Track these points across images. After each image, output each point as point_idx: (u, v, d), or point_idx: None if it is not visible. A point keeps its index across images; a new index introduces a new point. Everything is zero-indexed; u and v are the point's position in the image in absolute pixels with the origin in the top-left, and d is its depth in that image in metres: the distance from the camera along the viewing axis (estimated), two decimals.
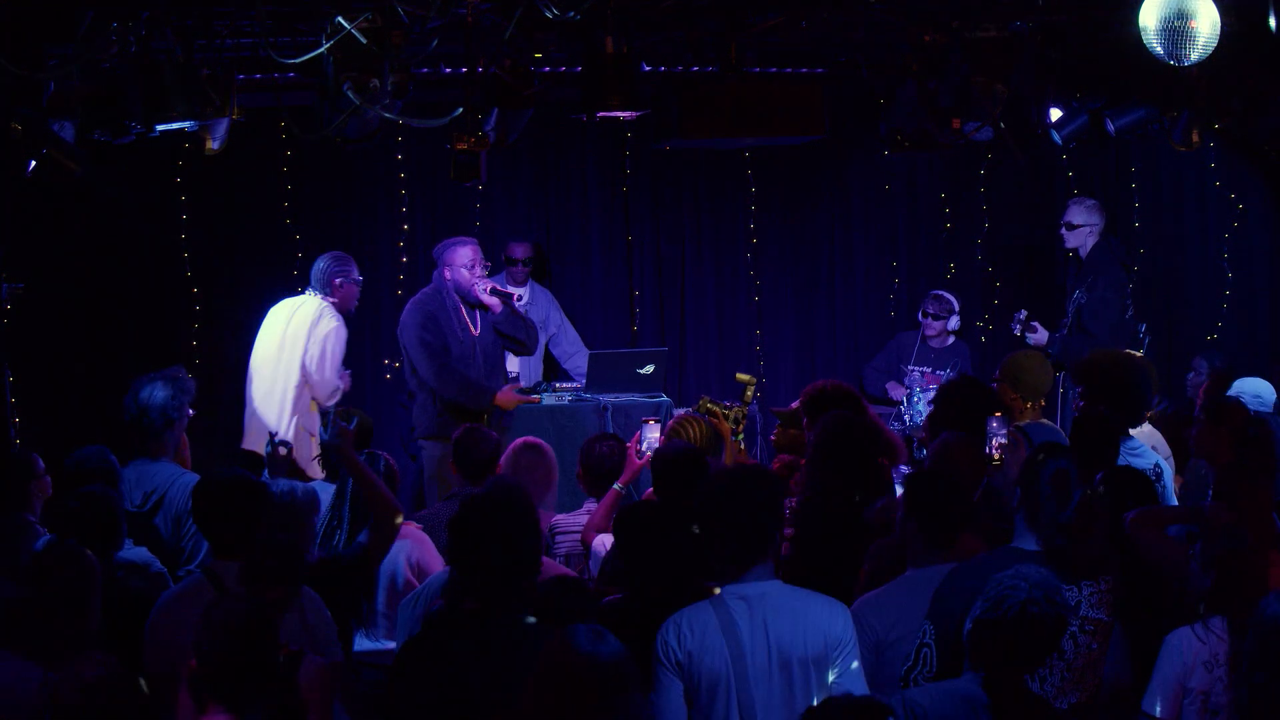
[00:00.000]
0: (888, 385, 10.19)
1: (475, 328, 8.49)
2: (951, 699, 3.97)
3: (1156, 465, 6.18)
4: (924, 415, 8.57)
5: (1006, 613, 3.93)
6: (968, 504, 4.91)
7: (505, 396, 8.42)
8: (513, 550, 4.26)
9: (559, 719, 3.49)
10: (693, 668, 4.23)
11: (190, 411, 6.40)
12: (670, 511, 4.95)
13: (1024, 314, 9.49)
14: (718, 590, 4.36)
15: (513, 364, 9.49)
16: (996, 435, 5.89)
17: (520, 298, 9.59)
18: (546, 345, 10.13)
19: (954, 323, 10.31)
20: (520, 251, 10.08)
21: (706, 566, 4.85)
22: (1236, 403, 6.57)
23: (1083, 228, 9.65)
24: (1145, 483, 5.48)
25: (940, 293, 10.43)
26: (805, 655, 4.24)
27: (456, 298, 8.47)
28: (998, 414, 6.04)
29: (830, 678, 4.24)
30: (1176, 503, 6.27)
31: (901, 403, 9.70)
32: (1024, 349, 8.27)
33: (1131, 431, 6.34)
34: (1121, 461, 5.96)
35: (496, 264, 9.78)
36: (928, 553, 4.74)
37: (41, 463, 5.87)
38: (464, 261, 8.44)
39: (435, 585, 5.21)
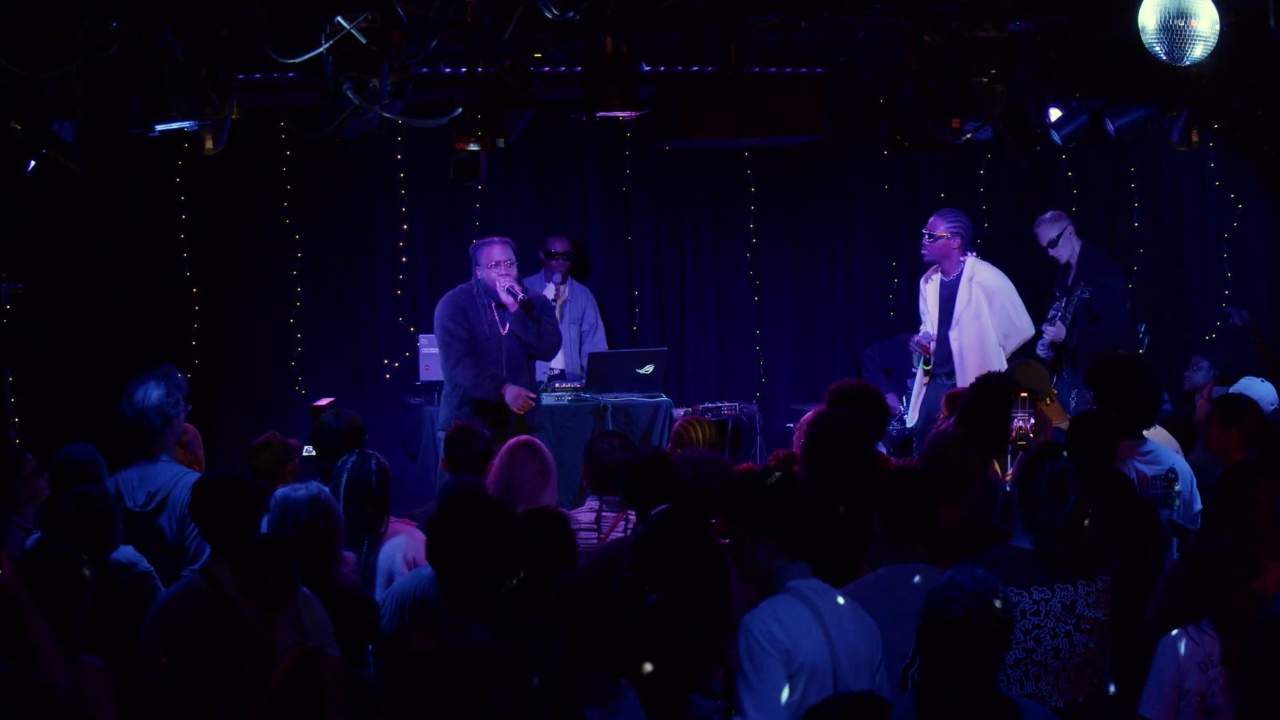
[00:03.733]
0: (887, 396, 10.14)
1: (502, 327, 8.51)
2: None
3: (1170, 470, 6.14)
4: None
5: (945, 627, 3.75)
6: (933, 501, 4.91)
7: (515, 397, 8.39)
8: (490, 551, 4.29)
9: (418, 711, 3.47)
10: (795, 656, 4.22)
11: (187, 406, 6.39)
12: (698, 518, 4.98)
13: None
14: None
15: (558, 360, 9.56)
16: (1018, 419, 5.92)
17: (555, 296, 9.89)
18: (580, 342, 10.19)
19: None
20: (559, 245, 10.18)
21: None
22: (1251, 404, 6.53)
23: (1061, 237, 9.71)
24: (1124, 483, 5.48)
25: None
26: (871, 654, 4.33)
27: (487, 296, 8.50)
28: (1022, 395, 6.06)
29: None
30: (1199, 504, 6.19)
31: (902, 403, 9.70)
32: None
33: (1145, 434, 6.30)
34: (1134, 467, 5.93)
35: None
36: (896, 550, 4.76)
37: (33, 462, 5.84)
38: (489, 260, 8.48)
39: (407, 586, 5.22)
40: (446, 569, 4.44)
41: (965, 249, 9.29)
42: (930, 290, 9.44)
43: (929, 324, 9.41)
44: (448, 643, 3.49)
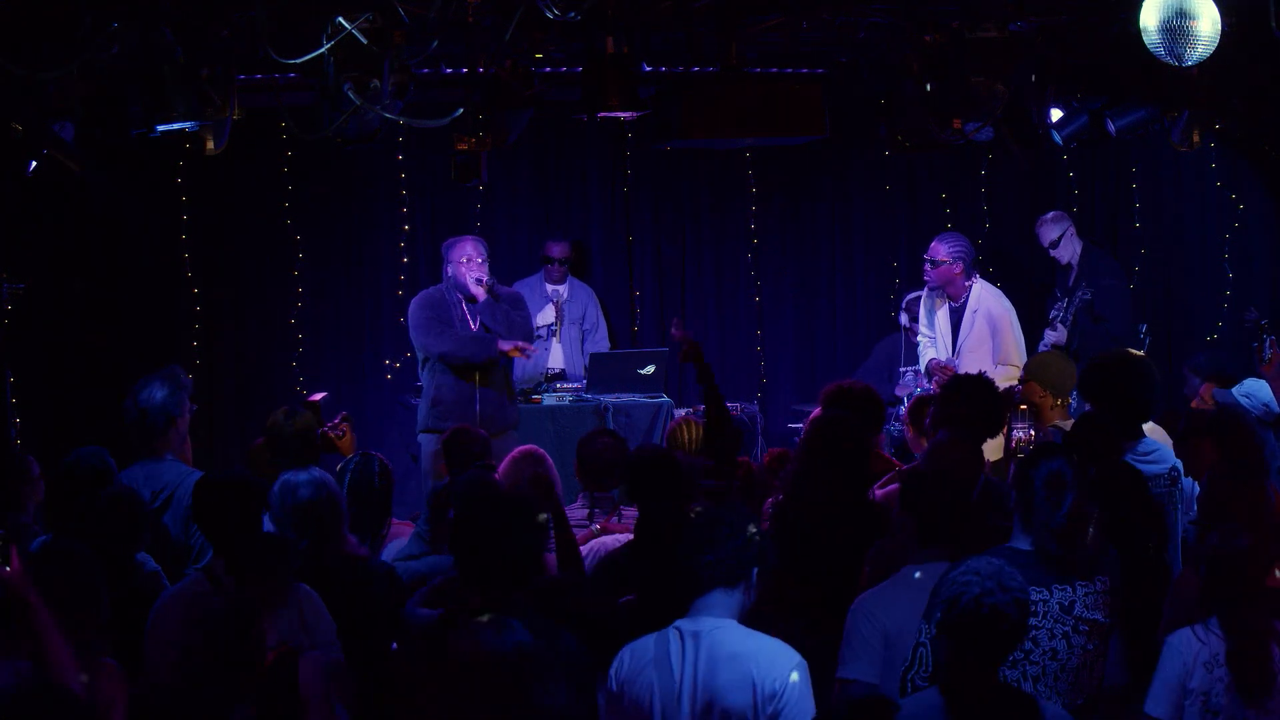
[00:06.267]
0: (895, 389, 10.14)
1: (473, 322, 8.51)
2: (928, 710, 3.88)
3: (1173, 469, 6.09)
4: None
5: (965, 609, 3.78)
6: (966, 502, 4.88)
7: (511, 346, 8.40)
8: (515, 549, 4.28)
9: (461, 711, 3.45)
10: (623, 698, 4.11)
11: (193, 406, 6.40)
12: (679, 517, 4.95)
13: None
14: None
15: (556, 359, 9.66)
16: (1018, 430, 5.86)
17: (555, 298, 9.99)
18: (582, 341, 10.20)
19: None
20: (557, 251, 10.20)
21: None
22: (1219, 411, 6.44)
23: (1062, 238, 9.71)
24: (1138, 479, 5.44)
25: (918, 293, 10.29)
26: (728, 707, 4.03)
27: (458, 294, 8.51)
28: (1022, 407, 6.00)
29: None
30: (1196, 506, 6.16)
31: (902, 402, 9.68)
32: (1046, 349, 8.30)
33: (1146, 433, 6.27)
34: (1138, 467, 5.89)
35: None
36: (926, 550, 4.73)
37: (37, 466, 5.86)
38: (460, 255, 8.50)
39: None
40: (470, 565, 4.40)
41: (968, 272, 9.27)
42: (941, 317, 9.42)
43: (940, 349, 9.38)
44: (490, 644, 3.45)
